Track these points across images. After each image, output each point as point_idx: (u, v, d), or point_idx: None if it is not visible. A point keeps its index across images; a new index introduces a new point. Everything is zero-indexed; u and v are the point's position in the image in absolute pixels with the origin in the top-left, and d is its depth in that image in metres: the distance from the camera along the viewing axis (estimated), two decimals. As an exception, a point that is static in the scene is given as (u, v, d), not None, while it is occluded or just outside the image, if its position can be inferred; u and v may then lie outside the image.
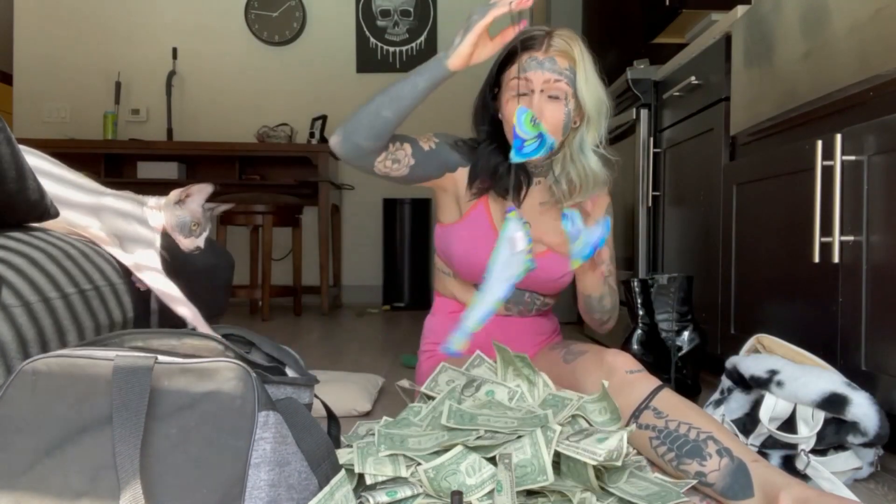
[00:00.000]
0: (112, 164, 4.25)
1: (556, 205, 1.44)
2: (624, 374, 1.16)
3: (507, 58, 1.35)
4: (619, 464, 0.92)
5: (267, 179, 4.41)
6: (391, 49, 4.65)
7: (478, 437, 0.99)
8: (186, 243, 1.16)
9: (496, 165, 1.39)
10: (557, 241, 1.44)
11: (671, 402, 1.10)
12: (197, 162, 4.39)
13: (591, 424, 1.08)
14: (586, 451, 0.90)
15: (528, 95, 1.31)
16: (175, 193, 1.16)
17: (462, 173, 1.43)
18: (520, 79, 1.30)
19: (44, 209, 1.06)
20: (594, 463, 0.89)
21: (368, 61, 4.65)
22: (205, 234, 1.18)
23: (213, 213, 1.21)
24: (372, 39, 4.65)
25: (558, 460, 0.98)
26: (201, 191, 1.16)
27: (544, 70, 1.30)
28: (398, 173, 1.34)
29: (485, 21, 1.16)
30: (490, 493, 0.92)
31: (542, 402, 1.12)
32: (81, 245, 1.12)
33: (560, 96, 1.31)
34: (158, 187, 4.51)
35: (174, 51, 4.49)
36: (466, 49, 1.18)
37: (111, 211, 1.12)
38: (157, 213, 1.14)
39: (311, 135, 4.22)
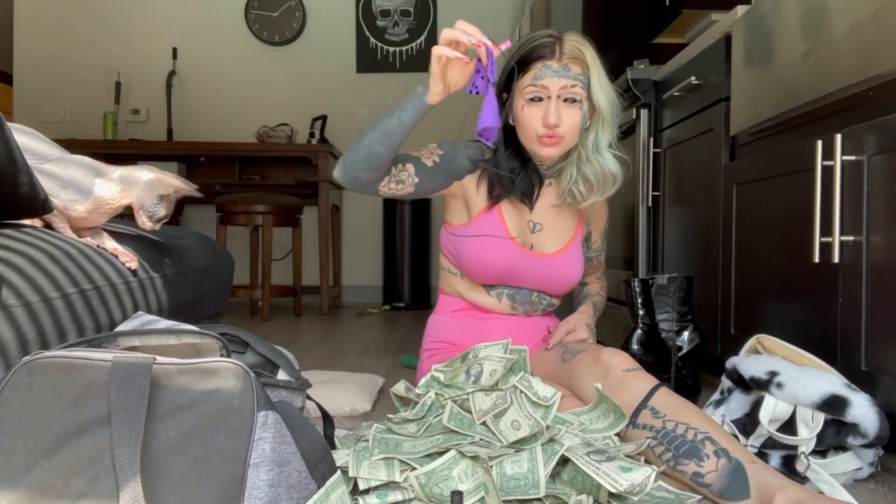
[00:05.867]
0: (112, 163, 4.24)
1: (568, 206, 1.48)
2: (620, 373, 1.16)
3: (519, 66, 1.37)
4: (636, 499, 0.90)
5: (267, 179, 4.41)
6: (391, 49, 4.65)
7: (471, 443, 0.98)
8: (148, 225, 1.19)
9: (515, 170, 1.42)
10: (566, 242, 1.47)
11: (669, 402, 1.09)
12: (197, 162, 4.39)
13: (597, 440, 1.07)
14: (608, 475, 0.88)
15: (545, 101, 1.34)
16: (164, 190, 1.18)
17: (470, 179, 1.45)
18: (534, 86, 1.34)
19: (40, 204, 1.06)
20: (614, 491, 0.87)
21: (368, 61, 4.65)
22: (165, 221, 1.22)
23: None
24: (372, 39, 4.65)
25: (561, 468, 0.98)
26: (178, 192, 1.21)
27: (561, 77, 1.33)
28: (403, 192, 1.38)
29: (439, 60, 1.16)
30: (482, 500, 0.92)
31: (541, 413, 1.10)
32: (81, 245, 1.12)
33: (576, 99, 1.35)
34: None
35: (174, 51, 4.50)
36: (436, 85, 1.19)
37: (66, 165, 1.15)
38: (114, 185, 1.16)
39: (311, 135, 4.22)
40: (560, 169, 1.45)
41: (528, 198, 1.45)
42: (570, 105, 1.35)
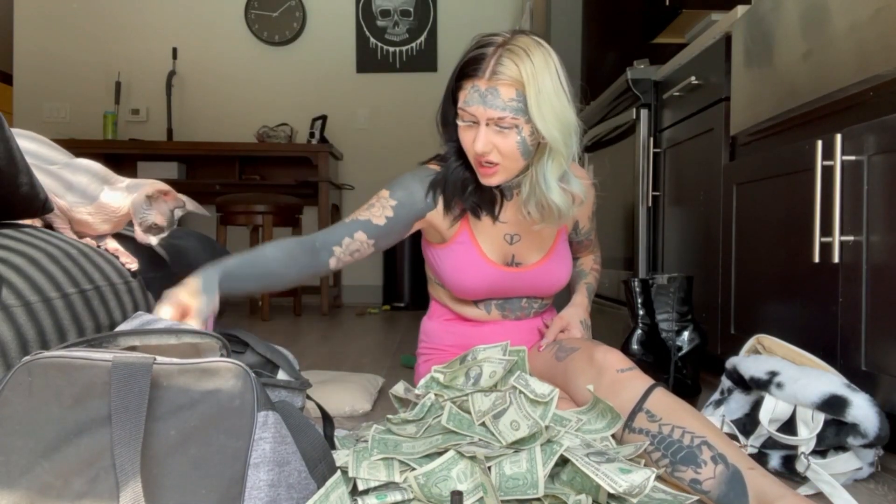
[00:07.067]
0: (112, 164, 4.20)
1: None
2: (615, 374, 1.13)
3: (456, 79, 1.26)
4: (635, 501, 0.90)
5: (267, 179, 4.41)
6: (391, 49, 4.65)
7: (470, 443, 0.98)
8: (140, 236, 1.18)
9: (464, 181, 1.34)
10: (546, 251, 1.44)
11: (665, 404, 1.07)
12: (197, 162, 4.39)
13: (597, 442, 1.07)
14: (607, 476, 0.87)
15: (476, 126, 1.23)
16: (152, 190, 1.16)
17: (434, 214, 1.37)
18: (463, 110, 1.23)
19: (40, 205, 1.06)
20: (613, 492, 0.87)
21: (368, 61, 4.65)
22: (162, 236, 1.19)
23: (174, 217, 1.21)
24: (372, 39, 4.65)
25: (560, 469, 0.98)
26: (177, 200, 1.17)
27: (486, 107, 1.19)
28: (365, 255, 1.32)
29: None
30: (481, 500, 0.92)
31: (540, 412, 1.10)
32: (81, 245, 1.12)
33: (509, 127, 1.21)
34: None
35: (174, 51, 4.49)
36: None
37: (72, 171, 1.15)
38: (121, 194, 1.15)
39: (311, 135, 4.22)
40: (520, 181, 1.33)
41: (483, 209, 1.36)
42: (503, 131, 1.21)
